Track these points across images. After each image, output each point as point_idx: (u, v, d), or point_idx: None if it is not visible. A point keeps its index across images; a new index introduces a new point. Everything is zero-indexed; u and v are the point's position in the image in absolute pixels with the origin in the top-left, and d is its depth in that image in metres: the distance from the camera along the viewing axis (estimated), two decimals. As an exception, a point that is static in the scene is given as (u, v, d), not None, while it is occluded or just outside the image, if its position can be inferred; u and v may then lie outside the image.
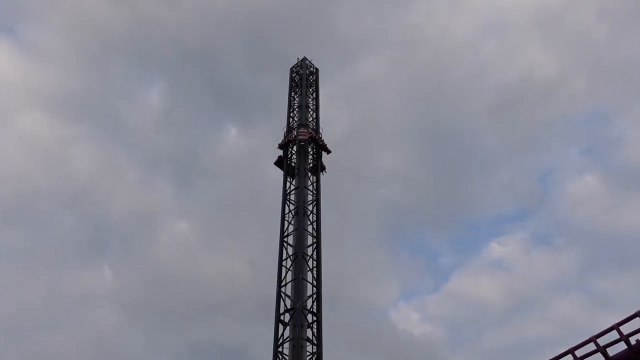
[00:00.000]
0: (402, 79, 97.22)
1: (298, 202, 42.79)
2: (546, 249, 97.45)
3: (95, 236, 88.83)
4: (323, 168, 45.54)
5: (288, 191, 43.66)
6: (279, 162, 45.45)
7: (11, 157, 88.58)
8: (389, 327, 79.06)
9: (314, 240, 41.63)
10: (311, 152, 45.64)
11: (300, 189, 43.49)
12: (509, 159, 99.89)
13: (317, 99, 49.60)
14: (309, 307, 37.99)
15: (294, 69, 51.55)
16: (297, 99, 49.08)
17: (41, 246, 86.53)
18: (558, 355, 19.22)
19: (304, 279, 39.03)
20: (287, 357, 36.12)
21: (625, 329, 18.32)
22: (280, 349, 36.53)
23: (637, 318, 18.21)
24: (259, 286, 68.95)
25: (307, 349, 36.52)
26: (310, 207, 43.04)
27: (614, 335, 18.45)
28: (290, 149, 45.67)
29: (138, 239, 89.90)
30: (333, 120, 77.99)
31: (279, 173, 46.13)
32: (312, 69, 51.57)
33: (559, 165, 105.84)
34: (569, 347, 19.03)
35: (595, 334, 18.83)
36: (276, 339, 36.87)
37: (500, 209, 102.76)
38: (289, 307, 37.97)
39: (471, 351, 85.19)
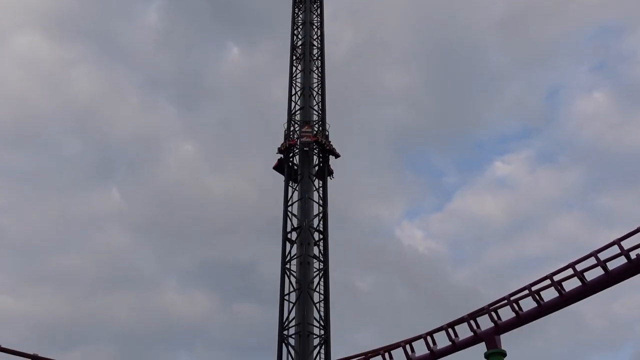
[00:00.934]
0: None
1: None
2: (550, 167, 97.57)
3: (101, 159, 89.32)
4: (330, 172, 40.89)
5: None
6: (279, 167, 40.72)
7: (10, 80, 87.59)
8: (395, 243, 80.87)
9: (320, 161, 41.81)
10: (317, 154, 40.69)
11: (306, 108, 43.15)
12: (517, 76, 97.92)
13: (321, 16, 48.02)
14: (315, 225, 38.73)
15: (297, -17, 49.67)
16: (300, 16, 47.63)
17: (48, 169, 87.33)
18: (558, 270, 19.73)
19: (310, 198, 39.56)
20: (294, 274, 37.27)
21: (626, 244, 18.69)
22: (288, 266, 37.63)
23: (639, 234, 18.52)
24: (265, 205, 69.95)
25: (314, 266, 37.59)
26: (315, 128, 42.84)
27: (615, 250, 18.85)
28: (292, 153, 40.79)
29: (143, 161, 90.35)
30: (338, 38, 76.06)
31: (283, 93, 45.43)
32: (316, -17, 49.68)
33: (567, 82, 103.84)
34: (570, 262, 19.51)
35: (596, 249, 19.25)
36: (284, 256, 37.87)
37: (505, 128, 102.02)
38: (295, 225, 38.74)
39: (473, 267, 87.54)
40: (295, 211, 39.59)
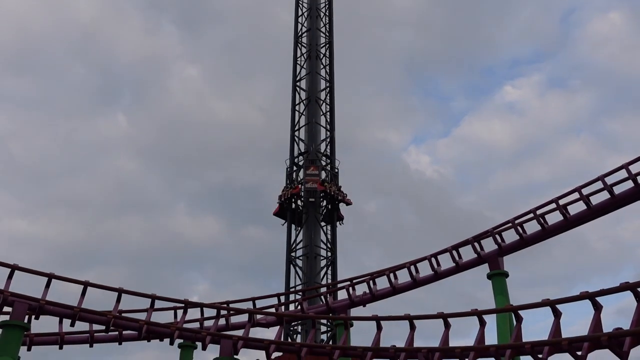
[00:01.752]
0: None
1: (310, 45, 41.69)
2: (561, 91, 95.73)
3: (105, 83, 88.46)
4: (340, 218, 36.54)
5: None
6: (280, 213, 36.52)
7: (10, 3, 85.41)
8: (402, 167, 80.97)
9: (327, 85, 41.22)
10: (324, 203, 36.56)
11: (313, 31, 42.11)
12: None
13: None
14: (322, 150, 38.73)
15: None
16: None
17: (52, 95, 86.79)
18: (564, 193, 19.74)
19: (317, 123, 39.33)
20: (302, 196, 37.65)
21: (635, 168, 18.57)
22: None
23: (647, 158, 18.36)
24: (271, 130, 69.79)
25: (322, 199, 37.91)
26: (322, 50, 41.98)
27: (622, 174, 18.75)
28: (294, 201, 36.34)
29: (148, 85, 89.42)
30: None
31: (289, 17, 44.25)
32: None
33: (583, 3, 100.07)
34: (576, 186, 19.49)
35: (603, 173, 19.16)
36: (291, 181, 38.12)
37: (517, 52, 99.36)
38: (302, 150, 38.75)
39: (479, 193, 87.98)
40: (302, 136, 39.51)
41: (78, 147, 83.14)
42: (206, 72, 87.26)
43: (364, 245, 74.09)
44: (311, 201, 35.72)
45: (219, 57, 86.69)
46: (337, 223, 36.52)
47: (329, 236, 36.68)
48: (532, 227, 20.43)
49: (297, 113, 40.30)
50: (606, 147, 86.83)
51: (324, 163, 38.18)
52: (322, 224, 36.82)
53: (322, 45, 42.09)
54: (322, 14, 43.12)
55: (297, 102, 40.64)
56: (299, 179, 36.51)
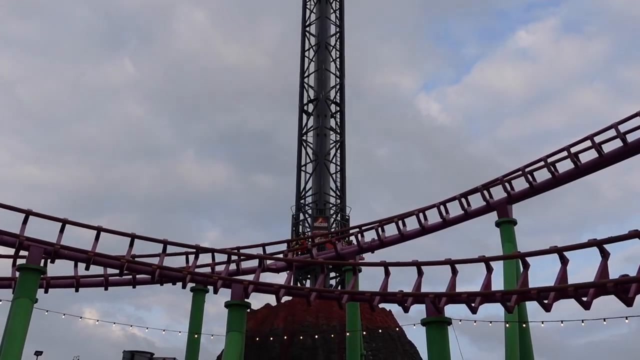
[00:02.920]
0: None
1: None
2: (576, 36, 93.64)
3: (111, 28, 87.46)
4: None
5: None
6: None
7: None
8: (413, 114, 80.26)
9: (337, 30, 40.43)
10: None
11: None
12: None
13: None
14: (332, 97, 38.38)
15: None
16: None
17: (58, 39, 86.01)
18: (576, 141, 19.51)
19: (327, 69, 38.83)
20: (311, 145, 37.63)
21: (649, 116, 18.24)
22: (304, 138, 37.93)
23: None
24: (280, 75, 69.04)
25: (331, 137, 37.84)
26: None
27: (636, 122, 18.46)
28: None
29: (154, 30, 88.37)
30: None
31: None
32: None
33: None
34: (589, 134, 19.24)
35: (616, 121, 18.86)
36: (300, 128, 38.03)
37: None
38: (312, 97, 38.42)
39: (489, 140, 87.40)
40: (312, 83, 39.06)
41: (86, 93, 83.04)
42: (213, 16, 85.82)
43: (374, 190, 74.44)
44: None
45: (226, 1, 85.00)
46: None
47: (338, 184, 36.79)
48: (542, 175, 20.33)
49: (306, 59, 39.74)
50: (620, 95, 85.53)
51: (333, 110, 37.93)
52: (332, 167, 36.45)
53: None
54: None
55: (306, 47, 40.01)
56: (305, 231, 33.90)
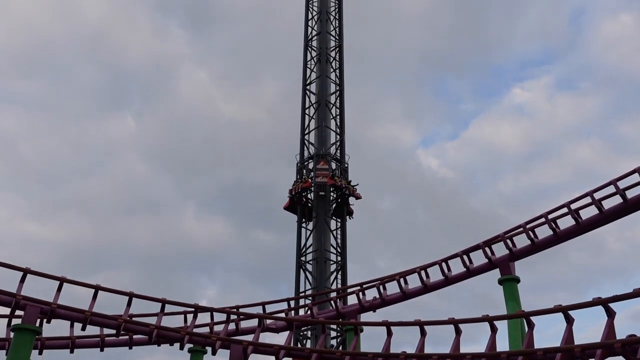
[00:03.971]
0: None
1: (320, 48, 41.72)
2: (570, 93, 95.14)
3: (115, 86, 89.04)
4: (350, 213, 37.07)
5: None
6: (291, 207, 37.18)
7: (20, 5, 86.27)
8: (413, 167, 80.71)
9: (337, 88, 41.23)
10: (334, 197, 36.96)
11: (323, 34, 42.14)
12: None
13: None
14: (332, 154, 38.72)
15: None
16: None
17: (62, 97, 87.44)
18: (576, 198, 19.56)
19: (327, 126, 39.34)
20: (311, 201, 37.65)
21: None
22: (304, 194, 38.00)
23: (661, 162, 18.18)
24: (280, 131, 69.84)
25: (331, 193, 37.90)
26: (332, 54, 41.99)
27: (635, 178, 18.55)
28: (305, 196, 36.97)
29: (157, 88, 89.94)
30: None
31: (296, 17, 44.28)
32: None
33: (593, 3, 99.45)
34: (588, 190, 19.31)
35: (615, 177, 18.96)
36: (301, 177, 38.12)
37: (526, 52, 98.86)
38: (312, 154, 38.76)
39: (489, 195, 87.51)
40: (312, 139, 39.53)
41: (88, 149, 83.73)
42: (214, 74, 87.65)
43: (376, 244, 74.01)
44: (321, 194, 35.99)
45: (228, 59, 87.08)
46: (347, 217, 36.94)
47: (339, 240, 36.64)
48: (544, 232, 20.26)
49: (307, 117, 40.35)
50: (616, 151, 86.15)
51: (334, 167, 38.21)
52: (333, 223, 36.78)
53: (332, 49, 42.12)
54: (332, 17, 43.17)
55: (307, 105, 40.69)
56: (309, 174, 37.04)
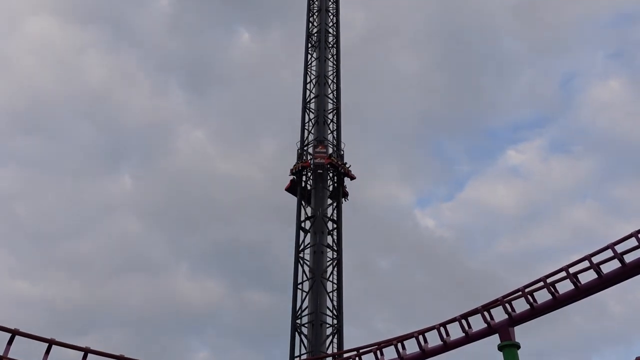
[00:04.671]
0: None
1: (318, 110, 42.47)
2: (564, 156, 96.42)
3: (113, 145, 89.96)
4: (345, 194, 39.74)
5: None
6: (292, 188, 39.82)
7: (23, 65, 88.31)
8: (412, 226, 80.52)
9: (334, 149, 41.64)
10: (331, 177, 39.94)
11: (321, 97, 43.02)
12: (531, 62, 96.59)
13: (337, 3, 47.56)
14: (329, 214, 38.70)
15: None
16: (316, 3, 47.34)
17: (60, 155, 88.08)
18: (574, 262, 19.46)
19: (324, 187, 39.50)
20: (307, 263, 37.33)
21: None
22: (301, 255, 37.72)
23: (658, 226, 18.19)
24: (276, 190, 69.92)
25: (328, 255, 37.64)
26: (330, 116, 42.70)
27: (632, 242, 18.52)
28: (305, 175, 39.86)
29: (155, 147, 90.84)
30: (350, 22, 75.56)
31: (293, 79, 45.32)
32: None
33: (583, 69, 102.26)
34: (586, 254, 19.22)
35: (612, 241, 18.93)
36: (297, 245, 37.95)
37: (519, 115, 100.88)
38: (309, 214, 38.74)
39: (484, 258, 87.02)
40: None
41: (83, 208, 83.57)
42: (212, 134, 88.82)
43: (373, 304, 72.75)
44: (319, 173, 38.61)
45: (225, 119, 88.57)
46: (342, 199, 39.25)
47: (335, 302, 36.10)
48: (542, 296, 20.02)
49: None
50: (611, 213, 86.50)
51: (330, 227, 38.18)
52: (329, 285, 36.41)
53: (329, 111, 42.86)
54: (329, 81, 44.17)
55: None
56: (308, 157, 39.92)
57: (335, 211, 39.15)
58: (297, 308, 35.81)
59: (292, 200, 40.08)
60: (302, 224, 38.57)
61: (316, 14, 46.75)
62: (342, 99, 43.52)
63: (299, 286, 36.69)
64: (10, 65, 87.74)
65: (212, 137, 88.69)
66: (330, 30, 46.11)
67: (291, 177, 39.60)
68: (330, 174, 39.70)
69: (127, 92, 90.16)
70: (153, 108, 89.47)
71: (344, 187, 39.80)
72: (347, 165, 40.06)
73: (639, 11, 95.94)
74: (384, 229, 76.41)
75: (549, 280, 19.69)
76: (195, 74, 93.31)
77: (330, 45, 45.40)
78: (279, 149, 73.78)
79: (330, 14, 46.82)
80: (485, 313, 20.53)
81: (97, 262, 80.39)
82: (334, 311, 35.79)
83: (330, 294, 36.31)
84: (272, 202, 73.08)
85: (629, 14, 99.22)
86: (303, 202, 38.97)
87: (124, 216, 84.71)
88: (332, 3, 47.48)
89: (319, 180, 39.07)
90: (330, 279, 36.99)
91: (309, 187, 39.49)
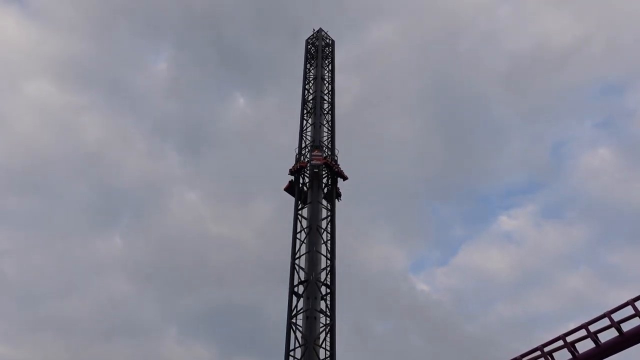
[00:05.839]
0: (414, 45, 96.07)
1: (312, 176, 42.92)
2: (557, 222, 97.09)
3: (106, 205, 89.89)
4: (339, 195, 42.63)
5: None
6: (290, 189, 42.72)
7: (20, 125, 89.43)
8: (407, 289, 79.57)
9: (328, 213, 41.76)
10: (325, 176, 42.62)
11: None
12: (522, 129, 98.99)
13: (332, 72, 49.08)
14: (322, 279, 38.30)
15: (309, 40, 51.11)
16: (312, 71, 48.74)
17: (53, 214, 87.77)
18: (572, 330, 19.30)
19: (318, 251, 39.27)
20: (300, 328, 36.60)
21: (640, 305, 18.29)
22: (294, 320, 37.02)
23: (653, 294, 18.17)
24: (269, 255, 69.61)
25: (321, 321, 36.96)
26: (325, 180, 43.04)
27: (629, 310, 18.45)
28: (302, 175, 42.61)
29: (147, 207, 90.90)
30: (344, 89, 77.71)
31: (287, 143, 46.05)
32: (327, 40, 51.13)
33: (572, 137, 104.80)
34: (583, 322, 19.08)
35: (609, 309, 18.85)
36: (290, 310, 37.30)
37: (511, 181, 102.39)
38: (302, 279, 38.32)
39: (480, 323, 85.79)
40: (302, 264, 39.26)
41: (72, 268, 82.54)
42: (205, 196, 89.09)
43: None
44: (315, 172, 41.37)
45: (219, 181, 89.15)
46: (336, 199, 41.72)
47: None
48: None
49: (297, 241, 40.43)
50: (606, 279, 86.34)
51: (323, 292, 37.74)
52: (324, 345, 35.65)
53: (324, 176, 43.26)
54: (324, 147, 44.81)
55: (298, 230, 40.93)
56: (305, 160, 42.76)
57: (329, 276, 38.75)
58: (291, 375, 34.83)
59: (285, 261, 39.72)
60: (295, 289, 38.07)
61: (312, 81, 48.02)
62: (337, 163, 44.05)
63: (291, 353, 35.81)
64: (8, 125, 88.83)
65: (205, 198, 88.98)
66: (326, 97, 47.25)
67: (290, 177, 42.39)
68: (325, 174, 42.37)
69: (123, 152, 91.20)
70: (148, 169, 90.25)
71: (338, 188, 42.55)
72: (342, 171, 42.93)
73: (623, 82, 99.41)
74: (379, 293, 75.65)
75: (545, 349, 19.45)
76: (190, 137, 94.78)
77: (326, 112, 46.40)
78: (272, 211, 73.95)
79: (325, 81, 48.11)
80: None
81: (84, 323, 78.57)
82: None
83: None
84: (265, 263, 72.59)
85: (613, 85, 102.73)
86: (300, 205, 41.28)
87: (114, 276, 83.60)
88: (328, 72, 48.89)
89: (315, 180, 41.75)
90: (323, 345, 36.20)
91: (306, 188, 42.09)
